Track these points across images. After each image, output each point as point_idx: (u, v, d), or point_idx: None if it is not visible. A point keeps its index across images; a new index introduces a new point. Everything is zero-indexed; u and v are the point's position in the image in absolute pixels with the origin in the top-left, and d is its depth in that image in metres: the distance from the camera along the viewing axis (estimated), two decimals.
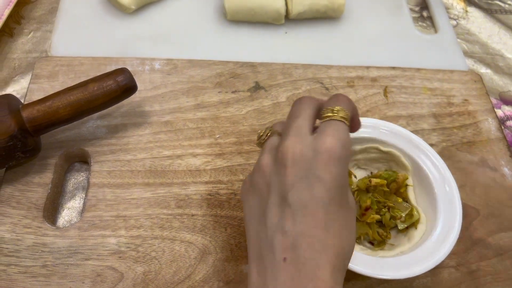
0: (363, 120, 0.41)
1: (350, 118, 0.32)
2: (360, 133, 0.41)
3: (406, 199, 0.42)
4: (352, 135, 0.40)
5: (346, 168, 0.30)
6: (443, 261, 0.41)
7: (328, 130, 0.30)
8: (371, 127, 0.43)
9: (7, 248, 0.39)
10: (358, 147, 0.43)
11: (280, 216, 0.29)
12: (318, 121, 0.32)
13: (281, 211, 0.29)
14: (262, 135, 0.34)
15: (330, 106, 0.32)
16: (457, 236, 0.37)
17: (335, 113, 0.31)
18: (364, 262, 0.36)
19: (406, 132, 0.43)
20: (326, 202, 0.28)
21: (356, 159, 0.44)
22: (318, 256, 0.27)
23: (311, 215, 0.28)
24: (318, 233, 0.28)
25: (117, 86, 0.41)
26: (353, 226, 0.30)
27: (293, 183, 0.29)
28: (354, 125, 0.35)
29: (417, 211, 0.40)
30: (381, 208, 0.41)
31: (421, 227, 0.40)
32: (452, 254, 0.42)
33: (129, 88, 0.42)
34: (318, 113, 0.33)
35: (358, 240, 0.41)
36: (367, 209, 0.40)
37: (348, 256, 0.30)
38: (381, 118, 0.50)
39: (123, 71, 0.42)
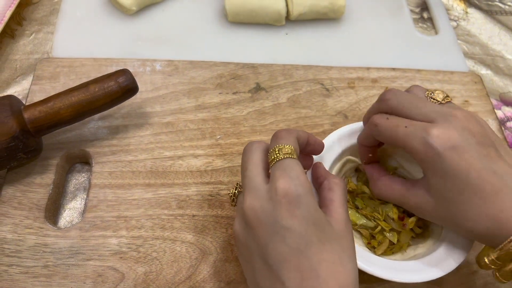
0: (340, 130, 0.42)
1: (296, 149, 0.32)
2: (341, 146, 0.41)
3: None
4: (333, 150, 0.40)
5: (311, 202, 0.29)
6: None
7: (276, 173, 0.30)
8: (358, 133, 0.42)
9: (8, 249, 0.39)
10: (338, 164, 0.42)
11: (269, 280, 0.28)
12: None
13: (268, 275, 0.28)
14: (232, 196, 0.35)
15: (272, 147, 0.32)
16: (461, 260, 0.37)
17: (277, 153, 0.31)
18: (382, 265, 0.36)
19: None
20: (303, 249, 0.28)
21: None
22: None
23: (295, 268, 0.27)
24: (310, 283, 0.27)
25: (118, 87, 0.42)
26: (349, 252, 0.29)
27: (266, 242, 0.29)
28: (313, 148, 0.36)
29: None
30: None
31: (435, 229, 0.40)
32: None
33: (130, 89, 0.42)
34: (265, 168, 0.33)
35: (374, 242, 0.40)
36: (402, 218, 0.39)
37: (353, 285, 0.28)
38: None
39: (124, 72, 0.42)
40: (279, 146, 0.31)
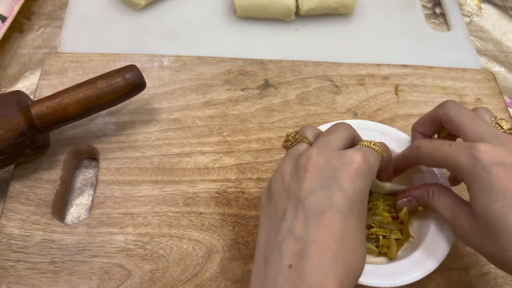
0: (373, 124, 0.41)
1: (384, 158, 0.32)
2: (366, 136, 0.40)
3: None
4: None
5: (369, 187, 0.29)
6: (453, 264, 0.41)
7: (359, 149, 0.30)
8: (360, 129, 0.42)
9: (16, 244, 0.39)
10: None
11: (293, 220, 0.28)
12: None
13: (295, 215, 0.28)
14: (291, 139, 0.33)
15: (370, 141, 0.32)
16: (452, 239, 0.36)
17: (372, 144, 0.32)
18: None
19: (397, 132, 0.41)
20: (344, 212, 0.27)
21: None
22: (327, 269, 0.26)
23: (327, 223, 0.27)
24: (331, 244, 0.27)
25: (126, 83, 0.41)
26: (365, 246, 0.29)
27: (312, 189, 0.28)
28: (385, 176, 0.37)
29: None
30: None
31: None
32: (464, 256, 0.42)
33: (138, 85, 0.42)
34: (354, 141, 0.33)
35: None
36: (396, 218, 0.39)
37: (357, 276, 0.28)
38: (392, 117, 0.49)
39: (132, 68, 0.42)
40: (377, 143, 0.32)
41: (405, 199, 0.37)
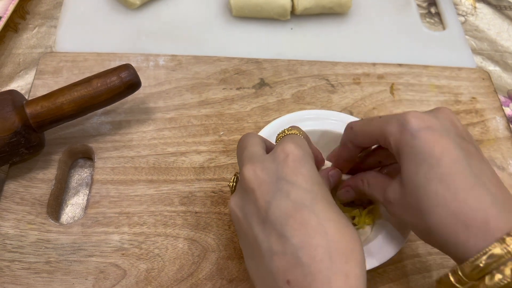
0: (309, 111, 0.42)
1: (305, 136, 0.32)
2: (309, 126, 0.40)
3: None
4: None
5: (313, 166, 0.29)
6: (449, 262, 0.41)
7: (283, 141, 0.30)
8: (319, 119, 0.41)
9: (10, 244, 0.39)
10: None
11: (268, 240, 0.26)
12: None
13: (266, 235, 0.26)
14: (231, 184, 0.33)
15: (283, 130, 0.32)
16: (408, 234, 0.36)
17: (289, 130, 0.32)
18: None
19: (356, 119, 0.41)
20: (310, 204, 0.26)
21: None
22: (325, 267, 0.24)
23: (300, 223, 0.26)
24: (317, 240, 0.25)
25: (121, 82, 0.41)
26: (350, 224, 0.27)
27: (268, 200, 0.27)
28: (316, 162, 0.34)
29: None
30: None
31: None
32: None
33: (133, 84, 0.42)
34: (266, 143, 0.33)
35: None
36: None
37: (361, 257, 0.26)
38: None
39: (127, 67, 0.42)
40: (291, 128, 0.32)
41: (343, 189, 0.37)
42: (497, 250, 0.25)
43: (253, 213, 0.28)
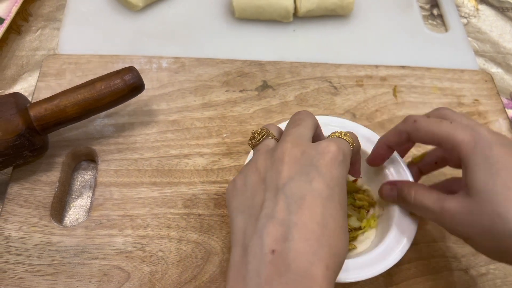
0: (336, 119, 0.41)
1: (355, 149, 0.32)
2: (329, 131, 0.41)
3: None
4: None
5: (346, 175, 0.30)
6: (452, 264, 0.41)
7: (332, 140, 0.31)
8: (322, 125, 0.42)
9: (14, 247, 0.39)
10: None
11: (273, 207, 0.27)
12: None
13: (275, 202, 0.27)
14: (256, 136, 0.33)
15: (342, 131, 0.32)
16: (413, 235, 0.36)
17: (344, 135, 0.32)
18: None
19: (358, 126, 0.41)
20: (325, 197, 0.27)
21: None
22: (312, 251, 0.25)
23: (309, 207, 0.27)
24: (314, 227, 0.26)
25: (125, 85, 0.41)
26: (347, 233, 0.29)
27: (291, 175, 0.28)
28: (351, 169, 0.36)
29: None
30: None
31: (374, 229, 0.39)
32: (461, 257, 0.42)
33: (137, 87, 0.42)
34: (316, 131, 0.33)
35: None
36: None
37: (341, 261, 0.27)
38: (390, 118, 0.49)
39: (130, 70, 0.42)
40: (348, 133, 0.32)
41: (388, 185, 0.37)
42: None
43: (272, 180, 0.29)
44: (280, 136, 0.34)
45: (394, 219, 0.37)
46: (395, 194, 0.37)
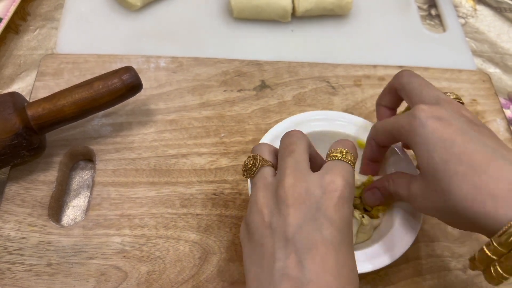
0: (316, 113, 0.42)
1: (355, 164, 0.31)
2: (315, 127, 0.41)
3: None
4: (307, 130, 0.40)
5: (352, 209, 0.29)
6: (450, 264, 0.41)
7: (336, 170, 0.29)
8: (326, 120, 0.42)
9: (12, 246, 0.39)
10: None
11: (285, 260, 0.26)
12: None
13: (285, 254, 0.26)
14: (250, 167, 0.32)
15: (340, 147, 0.31)
16: (418, 227, 0.36)
17: (344, 155, 0.31)
18: None
19: (364, 121, 0.42)
20: (336, 244, 0.27)
21: None
22: None
23: (321, 258, 0.26)
24: (329, 279, 0.25)
25: (123, 85, 0.41)
26: (357, 271, 0.28)
27: (300, 224, 0.27)
28: None
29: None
30: None
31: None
32: (459, 256, 0.42)
33: (135, 86, 0.42)
34: (311, 152, 0.32)
35: None
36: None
37: None
38: None
39: (128, 69, 0.42)
40: (346, 150, 0.31)
41: (369, 191, 0.37)
42: None
43: (280, 226, 0.28)
44: (274, 158, 0.32)
45: (398, 214, 0.37)
46: (380, 196, 0.37)
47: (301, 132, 0.33)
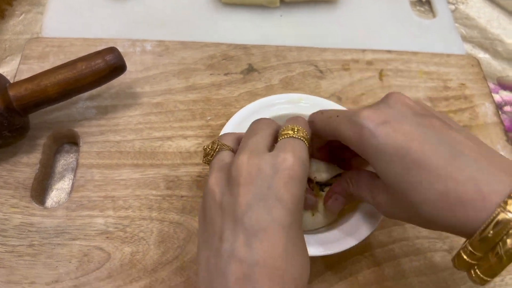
0: (281, 96, 0.42)
1: (309, 140, 0.30)
2: (280, 110, 0.41)
3: None
4: (271, 114, 0.40)
5: (303, 190, 0.28)
6: (436, 245, 0.41)
7: (288, 147, 0.28)
8: (290, 103, 0.42)
9: None
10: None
11: (233, 241, 0.26)
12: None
13: (234, 235, 0.26)
14: (209, 151, 0.31)
15: (291, 124, 0.30)
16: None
17: (295, 131, 0.30)
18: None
19: (330, 103, 0.41)
20: (286, 225, 0.26)
21: None
22: None
23: (270, 241, 0.25)
24: (277, 262, 0.25)
25: (106, 65, 0.41)
26: (307, 254, 0.28)
27: (249, 204, 0.26)
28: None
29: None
30: None
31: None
32: (445, 238, 0.42)
33: (118, 67, 0.41)
34: (273, 139, 0.31)
35: None
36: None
37: (305, 283, 0.27)
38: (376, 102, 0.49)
39: (112, 50, 0.41)
40: (298, 127, 0.30)
41: (330, 199, 0.35)
42: (501, 216, 0.24)
43: (230, 206, 0.27)
44: (236, 144, 0.32)
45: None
46: (342, 200, 0.35)
47: (269, 120, 0.32)
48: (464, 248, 0.26)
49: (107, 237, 0.39)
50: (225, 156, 0.31)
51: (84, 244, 0.38)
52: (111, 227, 0.39)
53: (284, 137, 0.30)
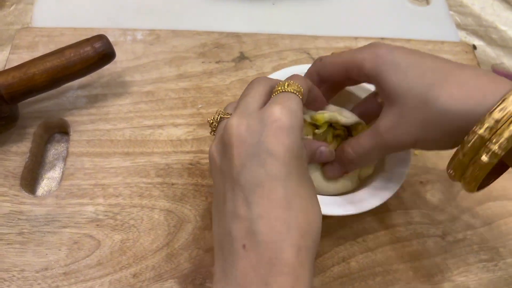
0: (287, 69, 0.41)
1: (304, 93, 0.30)
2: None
3: None
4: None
5: (299, 137, 0.28)
6: (429, 231, 0.41)
7: (277, 100, 0.28)
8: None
9: None
10: None
11: (234, 201, 0.26)
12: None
13: (234, 195, 0.26)
14: (212, 122, 0.32)
15: (282, 82, 0.30)
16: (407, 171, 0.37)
17: (285, 86, 0.29)
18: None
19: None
20: (283, 177, 0.26)
21: None
22: (280, 239, 0.25)
23: (268, 194, 0.26)
24: (279, 213, 0.25)
25: (95, 53, 0.41)
26: (317, 200, 0.28)
27: (243, 163, 0.26)
28: (317, 103, 0.35)
29: None
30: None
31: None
32: (438, 223, 0.41)
33: (107, 54, 0.41)
34: (267, 97, 0.31)
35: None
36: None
37: (316, 233, 0.27)
38: None
39: (100, 37, 0.41)
40: (290, 82, 0.30)
41: (329, 167, 0.36)
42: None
43: (227, 169, 0.27)
44: None
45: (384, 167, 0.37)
46: (339, 168, 0.36)
47: (264, 78, 0.32)
48: (474, 131, 0.28)
49: (97, 225, 0.39)
50: (225, 123, 0.31)
51: (74, 232, 0.38)
52: (101, 215, 0.39)
53: (276, 93, 0.30)
